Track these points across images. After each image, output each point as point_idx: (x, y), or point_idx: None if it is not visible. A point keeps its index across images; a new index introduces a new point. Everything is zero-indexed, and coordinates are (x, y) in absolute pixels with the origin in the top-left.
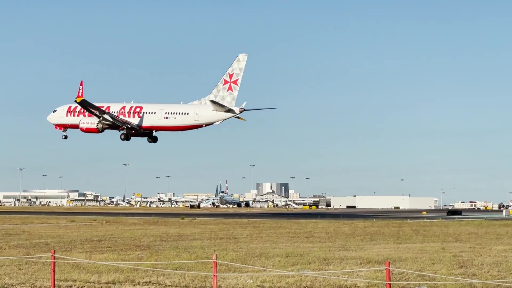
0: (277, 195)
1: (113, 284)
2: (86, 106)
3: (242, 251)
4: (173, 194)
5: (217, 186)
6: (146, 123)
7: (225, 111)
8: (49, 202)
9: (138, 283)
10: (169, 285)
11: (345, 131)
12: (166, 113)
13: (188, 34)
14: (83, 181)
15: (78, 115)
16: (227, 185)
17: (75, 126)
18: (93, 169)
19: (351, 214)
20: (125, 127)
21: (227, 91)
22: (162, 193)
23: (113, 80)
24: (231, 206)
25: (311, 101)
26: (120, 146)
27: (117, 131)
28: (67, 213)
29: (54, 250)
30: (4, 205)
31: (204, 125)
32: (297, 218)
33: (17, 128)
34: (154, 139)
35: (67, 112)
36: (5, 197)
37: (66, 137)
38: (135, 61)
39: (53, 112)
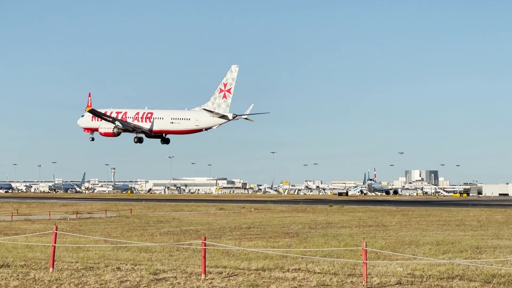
0: (426, 183)
1: (262, 271)
2: (96, 114)
3: (391, 239)
4: (321, 181)
5: (365, 173)
6: (155, 127)
7: (219, 117)
8: (198, 189)
9: (287, 270)
10: (318, 272)
11: (496, 117)
12: (171, 118)
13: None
14: (231, 169)
15: (101, 120)
16: (375, 172)
17: (97, 130)
18: (241, 156)
19: (504, 202)
20: (137, 131)
21: (222, 98)
22: (310, 181)
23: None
24: (379, 193)
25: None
26: (268, 134)
27: (134, 134)
28: (216, 201)
29: (205, 237)
30: (155, 192)
31: (204, 129)
32: (447, 206)
33: None
34: (166, 141)
35: (92, 117)
36: (155, 185)
37: (93, 139)
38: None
39: (81, 117)
